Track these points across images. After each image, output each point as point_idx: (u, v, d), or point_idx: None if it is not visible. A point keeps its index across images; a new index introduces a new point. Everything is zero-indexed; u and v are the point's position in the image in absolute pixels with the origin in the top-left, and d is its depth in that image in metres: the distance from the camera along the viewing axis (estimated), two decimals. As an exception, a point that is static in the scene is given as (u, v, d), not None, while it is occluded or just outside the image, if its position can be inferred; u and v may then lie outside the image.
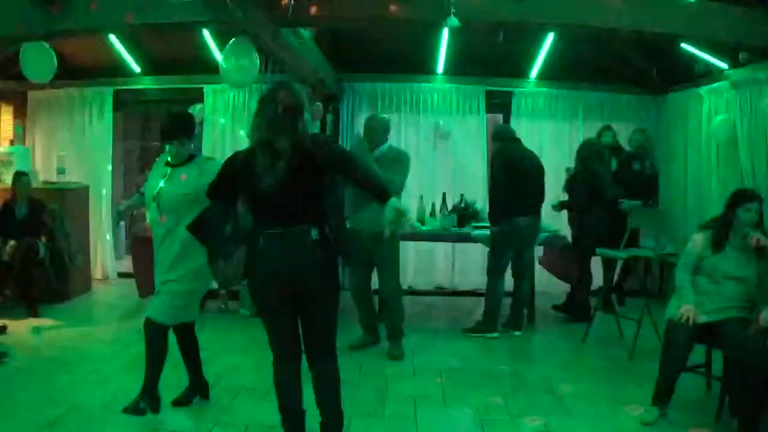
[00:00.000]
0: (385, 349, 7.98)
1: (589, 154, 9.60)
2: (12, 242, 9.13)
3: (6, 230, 9.24)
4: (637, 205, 9.41)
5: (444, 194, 9.74)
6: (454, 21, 6.54)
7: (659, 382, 5.95)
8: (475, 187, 10.97)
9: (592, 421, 5.98)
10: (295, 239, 4.74)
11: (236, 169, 4.88)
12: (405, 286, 8.27)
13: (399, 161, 7.86)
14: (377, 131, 7.88)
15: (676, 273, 6.24)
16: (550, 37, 9.33)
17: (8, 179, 10.12)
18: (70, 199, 10.61)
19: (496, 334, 8.63)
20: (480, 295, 10.81)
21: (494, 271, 8.81)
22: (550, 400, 6.51)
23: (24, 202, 9.39)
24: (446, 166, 11.13)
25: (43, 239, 9.51)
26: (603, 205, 9.40)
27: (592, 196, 9.35)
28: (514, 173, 8.53)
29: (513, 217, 8.49)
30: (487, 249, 9.36)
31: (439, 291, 11.29)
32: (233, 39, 7.43)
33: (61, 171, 11.14)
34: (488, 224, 9.08)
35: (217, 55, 9.68)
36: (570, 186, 9.72)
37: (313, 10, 6.85)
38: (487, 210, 9.16)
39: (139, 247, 9.15)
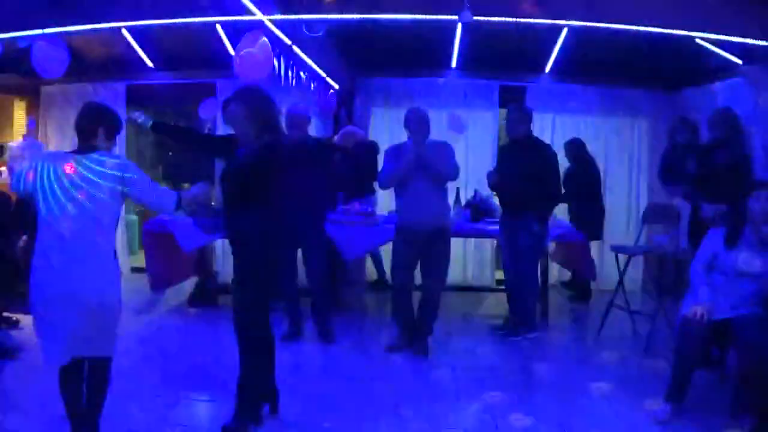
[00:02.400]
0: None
1: (578, 152, 9.84)
2: (25, 237, 9.15)
3: (20, 224, 9.25)
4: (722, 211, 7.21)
5: (458, 189, 9.69)
6: (467, 16, 6.53)
7: (673, 379, 5.92)
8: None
9: (606, 418, 5.98)
10: None
11: None
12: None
13: (445, 149, 7.77)
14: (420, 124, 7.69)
15: (690, 270, 6.21)
16: (564, 33, 9.30)
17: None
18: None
19: (536, 333, 8.48)
20: (492, 290, 10.90)
21: (536, 271, 8.65)
22: (564, 397, 6.50)
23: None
24: (460, 160, 11.09)
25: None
26: (599, 200, 10.43)
27: (589, 192, 9.61)
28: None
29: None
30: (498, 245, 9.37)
31: (451, 287, 11.26)
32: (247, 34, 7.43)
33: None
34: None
35: (230, 50, 9.69)
36: (566, 183, 9.82)
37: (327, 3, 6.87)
38: (535, 205, 8.28)
39: (151, 241, 9.13)
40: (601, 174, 11.15)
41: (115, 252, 4.91)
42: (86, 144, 4.87)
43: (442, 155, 7.61)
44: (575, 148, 10.50)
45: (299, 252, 8.23)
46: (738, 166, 7.34)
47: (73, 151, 4.88)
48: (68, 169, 4.67)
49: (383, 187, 8.07)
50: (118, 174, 4.73)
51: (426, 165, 7.44)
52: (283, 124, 7.95)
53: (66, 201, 4.69)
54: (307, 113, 8.22)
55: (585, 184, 10.32)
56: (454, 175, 7.72)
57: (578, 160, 10.45)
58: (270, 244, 5.42)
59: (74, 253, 4.69)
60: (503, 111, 11.47)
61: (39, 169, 4.73)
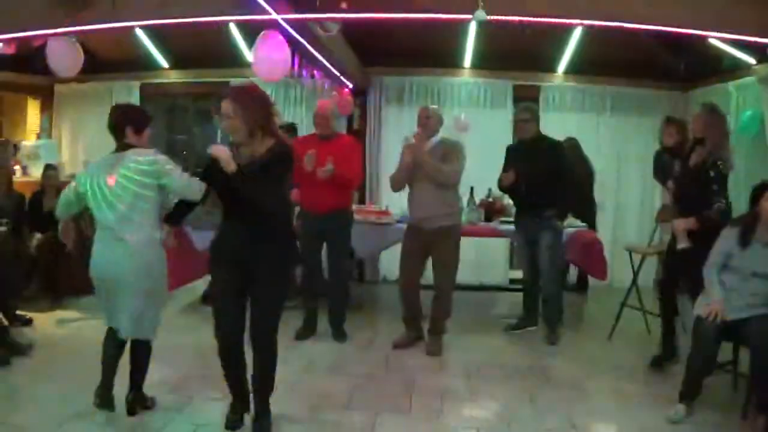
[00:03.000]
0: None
1: (573, 151, 9.87)
2: (38, 235, 9.18)
3: (33, 223, 9.29)
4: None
5: (471, 188, 9.68)
6: (481, 15, 6.51)
7: (686, 379, 5.92)
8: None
9: (618, 418, 5.98)
10: None
11: None
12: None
13: (453, 150, 7.71)
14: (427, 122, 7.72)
15: (704, 270, 6.20)
16: (577, 32, 9.28)
17: (35, 172, 10.18)
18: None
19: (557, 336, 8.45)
20: (506, 290, 10.89)
21: (556, 271, 8.58)
22: (577, 396, 6.49)
23: (52, 195, 9.44)
24: (474, 160, 11.03)
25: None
26: (592, 197, 10.60)
27: (584, 190, 9.73)
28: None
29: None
30: (511, 244, 9.33)
31: (463, 286, 11.24)
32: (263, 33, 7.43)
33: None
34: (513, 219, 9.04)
35: (244, 49, 9.70)
36: None
37: (342, 3, 6.85)
38: (553, 204, 8.31)
39: (165, 239, 9.11)
40: (615, 173, 11.41)
41: (157, 233, 5.61)
42: (120, 142, 5.49)
43: (446, 156, 7.61)
44: (570, 147, 10.52)
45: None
46: (714, 170, 6.78)
47: (113, 152, 5.50)
48: (111, 173, 5.37)
49: (393, 189, 8.06)
50: (153, 169, 5.35)
51: (419, 166, 7.49)
52: (312, 122, 8.15)
53: (110, 200, 5.35)
54: (334, 111, 8.24)
55: (580, 183, 10.38)
56: (448, 178, 7.66)
57: (573, 159, 10.49)
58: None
59: (120, 241, 5.38)
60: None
61: (88, 176, 5.48)
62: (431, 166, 7.47)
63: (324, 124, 7.96)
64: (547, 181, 7.99)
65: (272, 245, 5.19)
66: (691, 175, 6.98)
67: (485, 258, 11.55)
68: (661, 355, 7.29)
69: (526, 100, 10.32)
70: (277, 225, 5.25)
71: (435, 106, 8.09)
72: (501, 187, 8.58)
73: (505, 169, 8.46)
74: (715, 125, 6.94)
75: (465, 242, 9.37)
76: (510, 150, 8.73)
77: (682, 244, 6.79)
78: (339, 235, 8.09)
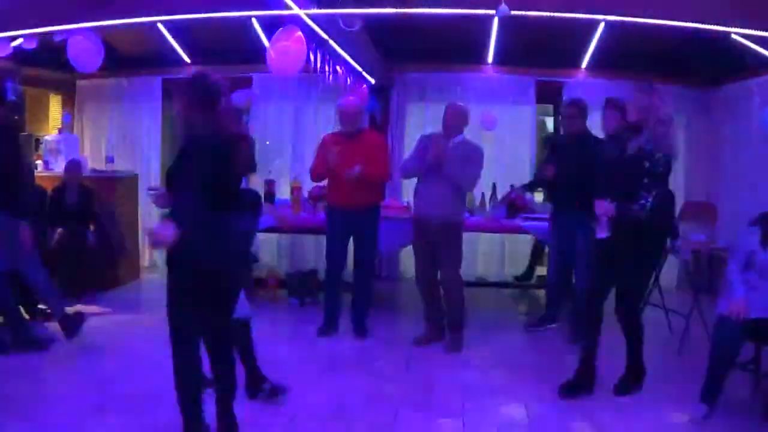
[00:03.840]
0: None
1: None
2: (60, 230, 9.21)
3: (55, 218, 9.31)
4: None
5: (494, 184, 9.65)
6: (504, 10, 6.48)
7: (707, 378, 5.85)
8: (525, 177, 10.80)
9: (640, 418, 5.94)
10: None
11: None
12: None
13: (474, 156, 7.67)
14: (453, 120, 7.71)
15: (727, 269, 6.15)
16: (600, 28, 9.23)
17: (57, 167, 10.20)
18: (119, 188, 10.68)
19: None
20: (530, 287, 10.87)
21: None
22: (598, 394, 6.45)
23: (74, 189, 9.46)
24: (496, 156, 11.00)
25: (92, 227, 9.59)
26: None
27: None
28: None
29: None
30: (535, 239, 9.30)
31: (484, 282, 11.24)
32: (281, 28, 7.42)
33: (110, 159, 11.20)
34: (537, 215, 9.01)
35: (267, 44, 9.71)
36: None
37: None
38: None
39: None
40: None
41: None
42: None
43: (466, 160, 7.58)
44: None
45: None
46: (649, 161, 6.03)
47: None
48: None
49: (403, 177, 8.27)
50: None
51: (441, 166, 7.46)
52: (338, 120, 8.20)
53: None
54: (358, 107, 8.18)
55: None
56: (467, 185, 7.73)
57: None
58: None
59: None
60: (540, 106, 11.46)
61: None
62: (455, 171, 7.47)
63: (350, 121, 7.93)
64: (588, 180, 7.76)
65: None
66: (623, 165, 6.25)
67: (511, 255, 11.54)
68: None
69: (549, 97, 10.32)
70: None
71: (461, 104, 8.05)
72: (541, 178, 8.65)
73: (547, 162, 8.44)
74: (655, 109, 6.26)
75: (490, 239, 9.37)
76: (554, 144, 8.69)
77: (603, 233, 6.32)
78: (368, 230, 8.08)
